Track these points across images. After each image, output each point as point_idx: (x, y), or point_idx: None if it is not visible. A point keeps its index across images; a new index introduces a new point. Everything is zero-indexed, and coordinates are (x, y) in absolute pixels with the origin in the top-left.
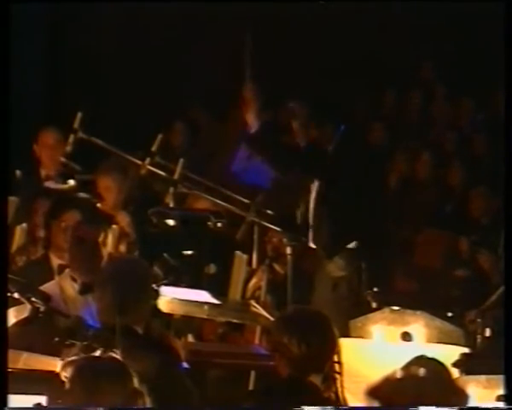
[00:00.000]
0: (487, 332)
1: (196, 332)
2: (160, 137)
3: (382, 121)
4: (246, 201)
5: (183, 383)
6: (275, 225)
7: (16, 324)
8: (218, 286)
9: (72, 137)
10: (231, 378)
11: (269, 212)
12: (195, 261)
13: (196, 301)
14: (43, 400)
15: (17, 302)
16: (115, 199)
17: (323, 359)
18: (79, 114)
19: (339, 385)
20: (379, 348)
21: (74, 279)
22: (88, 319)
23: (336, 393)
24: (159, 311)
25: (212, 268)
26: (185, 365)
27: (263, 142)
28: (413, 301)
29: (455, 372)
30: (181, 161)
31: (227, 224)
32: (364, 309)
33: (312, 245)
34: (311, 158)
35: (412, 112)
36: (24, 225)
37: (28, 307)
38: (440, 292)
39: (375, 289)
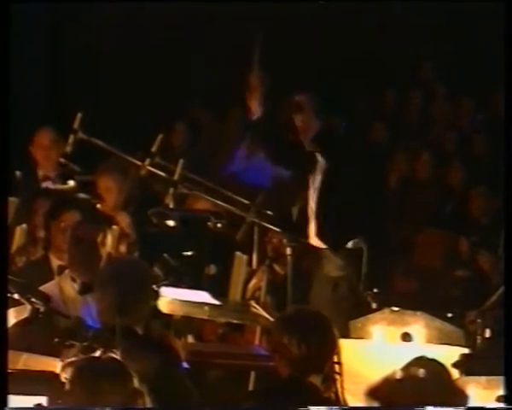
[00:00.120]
0: (487, 333)
1: (196, 333)
2: (160, 137)
3: (382, 121)
4: (246, 201)
5: (183, 383)
6: (275, 225)
7: (16, 324)
8: (218, 287)
9: (72, 138)
10: (231, 379)
11: (269, 212)
12: (195, 262)
13: (196, 302)
14: (43, 400)
15: (17, 303)
16: (115, 200)
17: (323, 359)
18: (79, 115)
19: (339, 386)
20: (379, 349)
21: (74, 280)
22: (88, 320)
23: (336, 393)
24: (159, 311)
25: (212, 269)
26: (185, 365)
27: (265, 129)
28: (413, 301)
29: (455, 373)
30: (181, 161)
31: (227, 224)
32: (364, 310)
33: (313, 243)
34: (311, 155)
35: (412, 112)
36: (24, 225)
37: (28, 307)
38: (440, 293)
39: (375, 290)
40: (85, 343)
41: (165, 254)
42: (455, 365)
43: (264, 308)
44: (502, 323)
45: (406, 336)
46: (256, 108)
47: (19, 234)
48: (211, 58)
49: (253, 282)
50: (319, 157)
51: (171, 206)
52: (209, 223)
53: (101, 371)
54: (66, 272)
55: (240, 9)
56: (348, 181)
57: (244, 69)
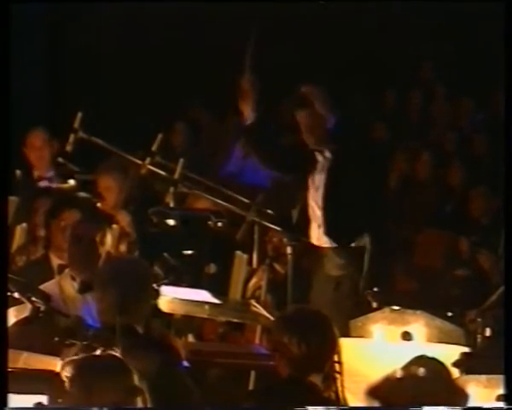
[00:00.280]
0: (487, 332)
1: (197, 332)
2: (160, 136)
3: (382, 121)
4: (246, 200)
5: (184, 382)
6: (275, 224)
7: (16, 323)
8: (218, 286)
9: (72, 137)
10: (231, 378)
11: (269, 211)
12: (196, 261)
13: (197, 301)
14: (43, 399)
15: (17, 302)
16: (115, 199)
17: (323, 358)
18: (79, 114)
19: (339, 385)
20: (379, 348)
21: (74, 279)
22: (88, 319)
23: (336, 393)
24: (159, 311)
25: (212, 268)
26: (185, 364)
27: (259, 135)
28: (413, 300)
29: (455, 372)
30: (181, 160)
31: (227, 223)
32: (365, 309)
33: (314, 242)
34: (311, 154)
35: (412, 112)
36: (24, 224)
37: (28, 306)
38: (440, 292)
39: (376, 289)
40: (85, 342)
41: (165, 254)
42: (455, 364)
43: (265, 307)
44: (502, 322)
45: (406, 335)
46: (249, 113)
47: (19, 233)
48: (210, 58)
49: (254, 281)
50: (319, 156)
51: (172, 205)
52: (209, 222)
53: (100, 367)
54: (67, 271)
55: (240, 9)
56: (349, 180)
57: (241, 70)
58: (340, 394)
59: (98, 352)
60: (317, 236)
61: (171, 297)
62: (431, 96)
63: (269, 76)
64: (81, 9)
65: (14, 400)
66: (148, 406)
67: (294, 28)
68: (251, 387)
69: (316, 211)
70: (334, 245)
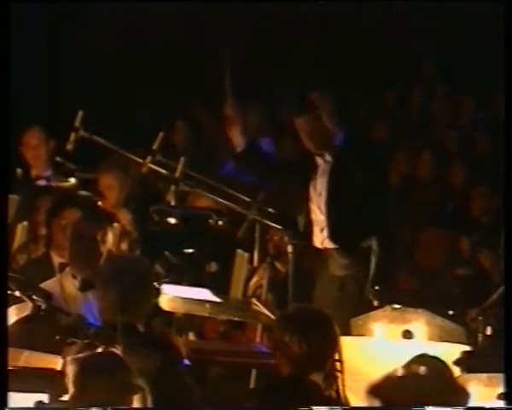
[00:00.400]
0: (488, 330)
1: (197, 330)
2: (161, 135)
3: (383, 121)
4: (247, 199)
5: (185, 381)
6: (276, 223)
7: (17, 322)
8: (219, 284)
9: (73, 136)
10: (232, 376)
11: (270, 210)
12: (197, 260)
13: (198, 300)
14: (44, 397)
15: (18, 300)
16: (117, 197)
17: (324, 357)
18: (80, 113)
19: (340, 383)
20: (380, 347)
21: (75, 277)
22: (89, 318)
23: (337, 391)
24: (160, 309)
25: (213, 266)
26: (186, 362)
27: (250, 161)
28: (414, 299)
29: (456, 370)
30: (182, 159)
31: (228, 222)
32: (366, 307)
33: (317, 244)
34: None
35: (413, 111)
36: (25, 223)
37: (29, 305)
38: (441, 291)
39: (377, 288)
40: (86, 341)
41: (166, 252)
42: (456, 362)
43: (266, 306)
44: (502, 321)
45: (407, 334)
46: (238, 140)
47: (20, 232)
48: (211, 57)
49: (255, 279)
50: (320, 160)
51: (173, 203)
52: (210, 220)
53: (99, 364)
54: (68, 269)
55: (240, 9)
56: (350, 183)
57: (223, 97)
58: (341, 392)
59: (99, 350)
60: (321, 240)
61: (172, 296)
62: (431, 95)
63: (268, 76)
64: (81, 9)
65: (15, 398)
66: (149, 404)
67: (294, 28)
68: (252, 385)
69: (318, 215)
70: (330, 247)
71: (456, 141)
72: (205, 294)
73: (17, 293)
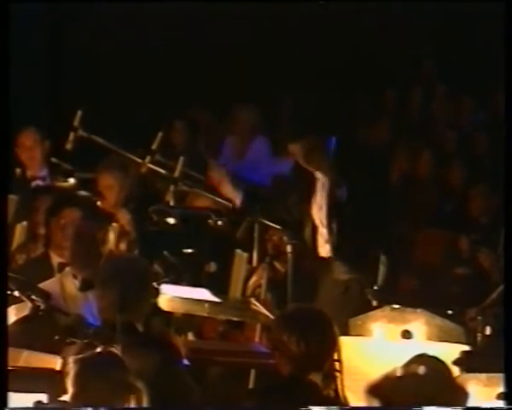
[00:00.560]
0: (487, 330)
1: (197, 330)
2: (160, 135)
3: (383, 120)
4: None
5: (184, 380)
6: (275, 223)
7: (16, 322)
8: (218, 284)
9: (72, 135)
10: (231, 376)
11: (269, 210)
12: (196, 259)
13: (197, 299)
14: (43, 397)
15: (17, 300)
16: (116, 197)
17: (323, 357)
18: (79, 113)
19: (339, 383)
20: (379, 346)
21: (75, 277)
22: (88, 317)
23: (336, 391)
24: (159, 309)
25: (212, 266)
26: (185, 362)
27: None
28: (413, 299)
29: (455, 370)
30: (181, 159)
31: (227, 222)
32: (365, 307)
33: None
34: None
35: (413, 111)
36: (24, 223)
37: (28, 305)
38: (441, 290)
39: (376, 288)
40: (86, 341)
41: (165, 252)
42: (455, 362)
43: (265, 306)
44: (502, 320)
45: (406, 334)
46: (233, 198)
47: (19, 231)
48: (210, 57)
49: (254, 279)
50: (318, 175)
51: (172, 203)
52: (209, 220)
53: (97, 364)
54: (67, 269)
55: (240, 9)
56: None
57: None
58: (340, 392)
59: (98, 350)
60: (326, 251)
61: (171, 295)
62: (431, 95)
63: (269, 76)
64: (81, 9)
65: (15, 398)
66: (147, 404)
67: (294, 28)
68: (251, 385)
69: (321, 229)
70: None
71: (456, 141)
72: (204, 294)
73: (16, 293)
